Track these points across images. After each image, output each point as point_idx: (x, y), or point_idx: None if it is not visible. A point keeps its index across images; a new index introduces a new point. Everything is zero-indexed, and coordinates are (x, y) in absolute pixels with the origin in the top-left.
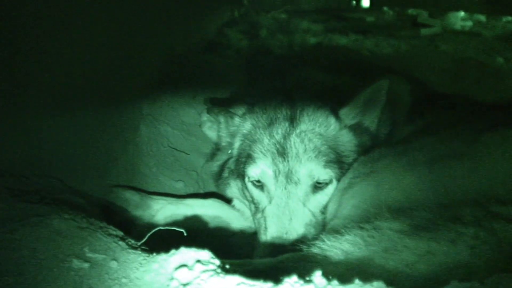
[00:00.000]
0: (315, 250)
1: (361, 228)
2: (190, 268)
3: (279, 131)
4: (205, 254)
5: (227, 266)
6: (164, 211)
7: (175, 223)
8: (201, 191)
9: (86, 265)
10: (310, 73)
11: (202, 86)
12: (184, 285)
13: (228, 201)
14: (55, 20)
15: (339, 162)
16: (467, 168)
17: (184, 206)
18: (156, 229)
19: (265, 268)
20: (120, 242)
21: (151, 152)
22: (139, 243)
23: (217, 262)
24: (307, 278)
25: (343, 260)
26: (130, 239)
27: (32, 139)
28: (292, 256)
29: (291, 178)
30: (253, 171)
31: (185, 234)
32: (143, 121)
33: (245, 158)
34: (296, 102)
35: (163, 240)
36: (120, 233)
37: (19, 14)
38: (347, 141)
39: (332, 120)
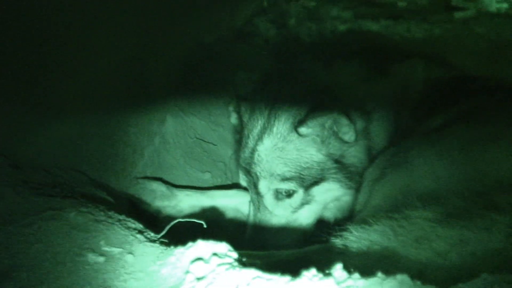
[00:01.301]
0: (341, 241)
1: (390, 218)
2: (206, 261)
3: (249, 145)
4: (223, 247)
5: (245, 259)
6: (189, 202)
7: (200, 214)
8: (229, 182)
9: (101, 259)
10: (309, 66)
11: (231, 76)
12: (199, 278)
13: None
14: (81, 12)
15: (301, 175)
16: (503, 152)
17: (208, 197)
18: (175, 221)
19: (286, 260)
20: (138, 235)
21: (178, 144)
22: (158, 236)
23: (235, 255)
24: (327, 271)
25: (371, 251)
26: (149, 232)
27: (56, 132)
28: (316, 248)
29: (256, 190)
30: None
31: (204, 226)
32: (170, 112)
33: None
34: (272, 112)
35: (187, 231)
36: (140, 226)
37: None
38: (313, 153)
39: (294, 136)
